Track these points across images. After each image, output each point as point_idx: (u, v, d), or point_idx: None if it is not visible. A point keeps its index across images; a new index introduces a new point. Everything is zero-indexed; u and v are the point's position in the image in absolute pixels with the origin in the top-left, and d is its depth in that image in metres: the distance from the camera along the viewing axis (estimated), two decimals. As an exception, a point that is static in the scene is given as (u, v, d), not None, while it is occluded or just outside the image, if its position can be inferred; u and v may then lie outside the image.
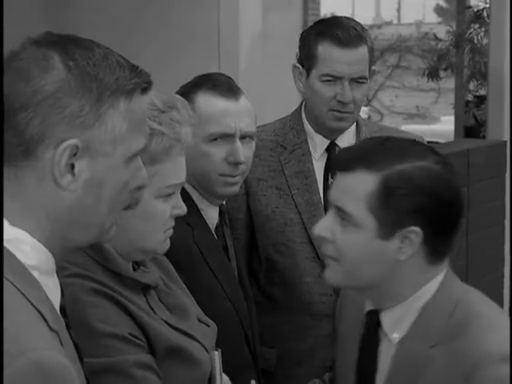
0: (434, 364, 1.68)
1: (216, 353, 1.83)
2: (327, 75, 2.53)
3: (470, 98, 9.69)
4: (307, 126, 2.66)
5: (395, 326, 1.75)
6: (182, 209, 1.79)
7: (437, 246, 1.71)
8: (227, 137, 2.21)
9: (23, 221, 1.25)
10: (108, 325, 1.62)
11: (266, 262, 2.66)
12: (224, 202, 2.34)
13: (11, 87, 1.23)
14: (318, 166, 2.63)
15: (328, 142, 2.64)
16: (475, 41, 8.89)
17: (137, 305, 1.68)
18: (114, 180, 1.30)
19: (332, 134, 2.64)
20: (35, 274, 1.24)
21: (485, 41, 8.50)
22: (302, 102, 2.71)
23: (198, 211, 2.22)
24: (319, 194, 2.61)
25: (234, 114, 2.21)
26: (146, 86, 1.32)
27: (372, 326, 1.78)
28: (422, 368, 1.69)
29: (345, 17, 2.66)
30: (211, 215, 2.26)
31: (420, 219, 1.66)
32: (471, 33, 8.90)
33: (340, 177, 1.71)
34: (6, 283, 1.18)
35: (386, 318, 1.76)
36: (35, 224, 1.25)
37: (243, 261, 2.62)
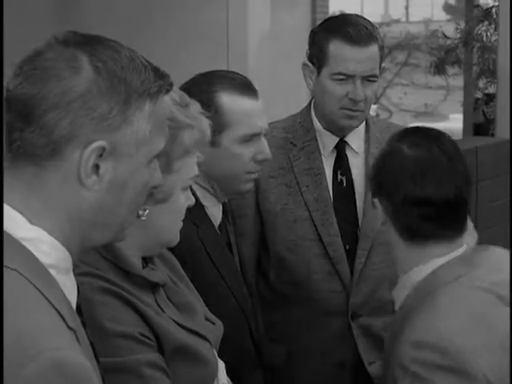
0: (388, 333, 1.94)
1: (221, 362, 1.84)
2: (339, 74, 2.52)
3: (479, 95, 9.67)
4: (316, 124, 2.65)
5: (397, 295, 1.95)
6: (192, 200, 1.83)
7: (402, 223, 1.87)
8: (255, 136, 2.23)
9: (42, 219, 1.25)
10: (118, 324, 1.62)
11: (275, 259, 2.66)
12: (227, 200, 2.35)
13: (39, 86, 1.23)
14: (328, 164, 2.63)
15: (337, 139, 2.64)
16: (484, 38, 8.87)
17: (146, 303, 1.69)
18: (136, 181, 1.31)
19: (341, 131, 2.63)
20: (53, 272, 1.24)
21: (494, 38, 8.48)
22: (311, 100, 2.70)
23: (202, 209, 2.22)
24: (328, 191, 2.61)
25: (259, 112, 2.23)
26: (168, 88, 1.34)
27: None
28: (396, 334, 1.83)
29: (354, 15, 2.64)
30: (215, 213, 2.27)
31: (380, 193, 1.90)
32: (480, 30, 8.88)
33: None
34: (24, 283, 1.18)
35: (395, 287, 1.96)
36: (55, 223, 1.26)
37: (250, 257, 2.62)
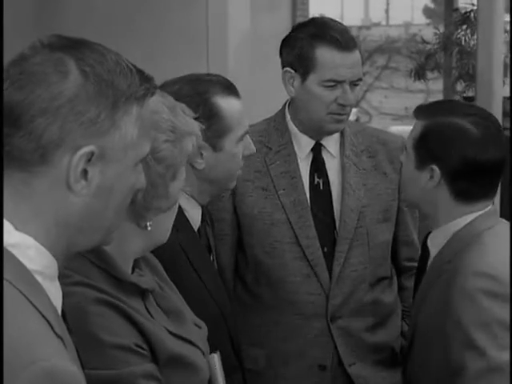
0: (443, 276, 2.14)
1: (215, 355, 1.84)
2: (330, 80, 2.52)
3: (458, 98, 9.71)
4: (292, 127, 2.65)
5: (433, 244, 2.26)
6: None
7: (458, 187, 2.17)
8: (243, 136, 2.27)
9: (28, 225, 1.24)
10: (114, 336, 1.62)
11: (253, 262, 2.66)
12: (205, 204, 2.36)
13: (26, 91, 1.22)
14: (304, 167, 2.64)
15: (313, 142, 2.64)
16: (463, 42, 8.90)
17: (138, 311, 1.68)
18: (123, 185, 1.31)
19: (321, 135, 2.64)
20: (39, 278, 1.23)
21: (472, 42, 8.52)
22: (285, 103, 2.70)
23: (181, 212, 2.22)
24: (305, 194, 2.62)
25: (244, 112, 2.27)
26: (153, 92, 1.34)
27: (425, 241, 2.34)
28: (436, 278, 2.17)
29: (328, 18, 2.64)
30: (194, 217, 2.27)
31: (440, 162, 2.16)
32: (459, 34, 8.91)
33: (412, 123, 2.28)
34: (12, 290, 1.17)
35: (430, 237, 2.29)
36: (41, 229, 1.25)
37: (228, 261, 2.63)
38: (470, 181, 2.18)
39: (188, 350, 1.75)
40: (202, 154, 2.19)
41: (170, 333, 1.73)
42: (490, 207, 2.23)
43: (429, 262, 2.29)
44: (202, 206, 2.31)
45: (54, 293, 1.28)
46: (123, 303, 1.65)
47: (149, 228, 1.71)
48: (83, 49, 1.27)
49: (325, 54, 2.51)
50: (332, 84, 2.52)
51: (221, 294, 2.27)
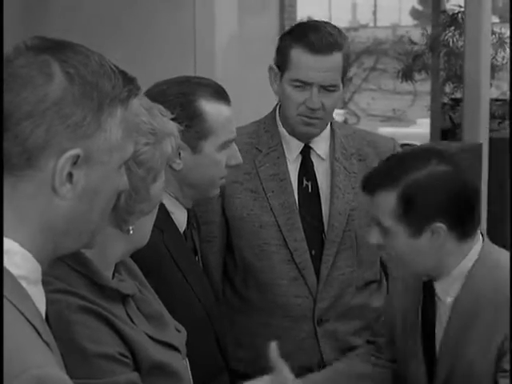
0: (483, 316, 2.12)
1: (184, 362, 1.83)
2: (297, 80, 2.51)
3: (445, 100, 9.72)
4: (281, 129, 2.65)
5: (447, 292, 2.19)
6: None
7: (463, 229, 2.12)
8: (231, 142, 2.25)
9: (14, 231, 1.23)
10: (98, 344, 1.60)
11: (241, 264, 2.65)
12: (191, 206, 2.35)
13: (12, 94, 1.21)
14: (293, 169, 2.62)
15: (302, 145, 2.63)
16: (450, 44, 8.92)
17: (120, 318, 1.66)
18: (108, 187, 1.30)
19: (302, 137, 2.63)
20: (23, 283, 1.22)
21: (460, 44, 8.54)
22: (276, 105, 2.70)
23: (167, 215, 2.21)
24: (294, 196, 2.60)
25: (233, 118, 2.25)
26: (136, 93, 1.33)
27: (429, 293, 2.24)
28: (474, 319, 2.13)
29: (324, 22, 2.62)
30: (180, 219, 2.26)
31: (440, 215, 2.07)
32: (447, 36, 8.93)
33: (371, 200, 2.15)
34: None
35: (438, 287, 2.20)
36: (27, 234, 1.24)
37: (216, 263, 2.62)
38: (471, 217, 2.13)
39: (170, 356, 1.74)
40: (179, 154, 2.18)
41: (152, 339, 1.71)
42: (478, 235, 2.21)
43: (439, 309, 2.23)
44: (188, 209, 2.30)
45: (38, 297, 1.27)
46: (105, 310, 1.64)
47: (131, 232, 1.70)
48: (66, 51, 1.26)
49: (297, 55, 2.50)
50: (299, 84, 2.51)
51: (207, 295, 2.26)
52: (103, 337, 1.61)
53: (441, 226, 2.06)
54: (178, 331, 1.88)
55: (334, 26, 2.58)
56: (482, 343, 2.12)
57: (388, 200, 2.09)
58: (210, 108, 2.19)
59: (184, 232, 2.27)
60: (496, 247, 2.23)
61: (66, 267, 1.63)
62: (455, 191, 2.08)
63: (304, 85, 2.51)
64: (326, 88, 2.51)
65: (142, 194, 1.68)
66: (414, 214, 2.07)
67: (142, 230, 1.74)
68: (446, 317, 2.21)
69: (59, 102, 1.21)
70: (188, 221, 2.30)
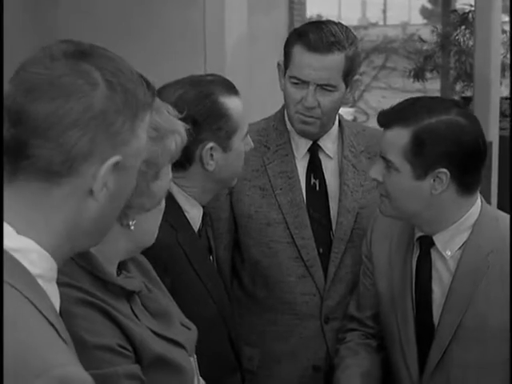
0: (492, 268, 2.18)
1: (191, 359, 1.83)
2: (294, 77, 2.52)
3: (456, 98, 9.72)
4: (290, 127, 2.65)
5: (447, 245, 2.23)
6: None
7: (465, 182, 2.16)
8: (247, 133, 2.30)
9: (33, 230, 1.23)
10: (97, 336, 1.61)
11: (249, 261, 2.66)
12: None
13: (58, 103, 1.20)
14: (301, 167, 2.63)
15: (310, 142, 2.64)
16: (461, 43, 8.92)
17: (123, 313, 1.68)
18: (130, 189, 1.33)
19: (303, 135, 2.63)
20: (40, 281, 1.23)
21: (470, 43, 8.53)
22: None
23: (181, 213, 2.22)
24: (302, 194, 2.61)
25: (244, 112, 2.28)
26: (155, 97, 1.35)
27: (426, 248, 2.26)
28: (482, 273, 2.18)
29: (333, 22, 2.61)
30: (195, 217, 2.27)
31: (446, 162, 2.11)
32: (457, 35, 8.93)
33: (384, 133, 2.19)
34: (18, 295, 1.16)
35: (439, 238, 2.24)
36: (48, 233, 1.24)
37: (226, 260, 2.62)
38: (474, 171, 2.18)
39: (173, 351, 1.75)
40: (212, 156, 2.20)
41: (155, 333, 1.73)
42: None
43: (436, 265, 2.27)
44: (203, 206, 2.30)
45: (54, 295, 1.28)
46: (107, 304, 1.65)
47: (132, 227, 1.71)
48: (102, 58, 1.26)
49: (297, 52, 2.52)
50: (296, 82, 2.52)
51: (220, 294, 2.27)
52: (102, 329, 1.62)
53: (445, 172, 2.11)
54: (188, 329, 1.89)
55: (343, 26, 2.57)
56: (493, 295, 2.16)
57: (401, 136, 2.13)
58: (231, 103, 2.21)
59: (199, 230, 2.28)
60: (490, 206, 2.30)
61: (71, 262, 1.65)
62: (466, 144, 2.12)
63: (301, 82, 2.51)
64: (323, 87, 2.51)
65: (140, 188, 1.67)
66: (422, 156, 2.11)
67: (143, 227, 1.75)
68: (448, 272, 2.24)
69: (104, 110, 1.22)
70: (203, 219, 2.30)
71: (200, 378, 1.88)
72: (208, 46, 4.15)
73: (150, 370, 1.69)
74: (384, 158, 2.19)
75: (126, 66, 1.28)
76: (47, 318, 1.18)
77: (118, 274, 1.77)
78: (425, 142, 2.11)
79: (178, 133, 1.78)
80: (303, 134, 2.62)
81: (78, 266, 1.66)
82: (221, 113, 2.18)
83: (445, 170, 2.12)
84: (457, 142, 2.12)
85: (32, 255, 1.23)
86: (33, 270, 1.22)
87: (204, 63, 4.13)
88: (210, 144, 2.18)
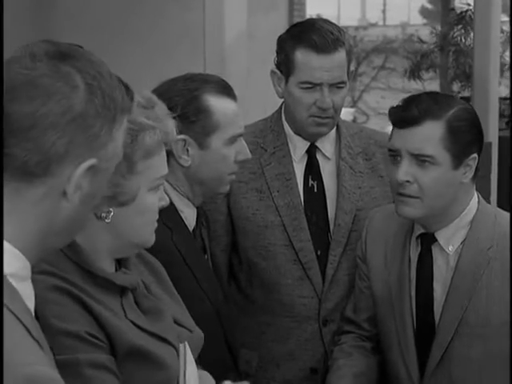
0: (492, 263, 2.20)
1: (181, 345, 1.82)
2: (306, 82, 2.50)
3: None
4: (287, 128, 2.64)
5: (449, 241, 2.25)
6: (166, 200, 1.84)
7: (477, 167, 2.22)
8: (238, 137, 2.26)
9: (12, 233, 1.23)
10: (64, 322, 1.61)
11: (246, 264, 2.65)
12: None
13: (37, 104, 1.21)
14: (299, 169, 2.62)
15: (308, 144, 2.63)
16: (459, 42, 8.90)
17: (104, 305, 1.67)
18: (103, 190, 1.34)
19: (312, 138, 2.62)
20: (12, 281, 1.23)
21: (468, 42, 8.52)
22: (281, 104, 2.69)
23: (176, 213, 2.22)
24: (299, 196, 2.60)
25: (240, 113, 2.27)
26: (133, 100, 1.36)
27: (427, 245, 2.27)
28: (482, 268, 2.20)
29: (321, 19, 2.62)
30: (190, 217, 2.27)
31: (476, 147, 2.21)
32: (455, 34, 8.92)
33: (410, 131, 2.17)
34: None
35: (441, 235, 2.25)
36: (20, 234, 1.25)
37: (223, 262, 2.61)
38: (479, 158, 2.24)
39: (156, 345, 1.74)
40: (187, 151, 2.19)
41: (138, 327, 1.72)
42: None
43: (437, 261, 2.28)
44: (197, 207, 2.31)
45: (28, 294, 1.28)
46: (87, 295, 1.65)
47: (106, 220, 1.70)
48: (83, 60, 1.27)
49: (302, 56, 2.49)
50: (309, 86, 2.50)
51: (216, 293, 2.27)
52: (71, 315, 1.62)
53: (475, 157, 2.19)
54: (190, 331, 1.90)
55: (331, 23, 2.58)
56: (495, 290, 2.18)
57: (436, 128, 2.16)
58: (215, 103, 2.20)
59: (193, 230, 2.28)
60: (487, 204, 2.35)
61: (61, 254, 1.66)
62: (481, 129, 2.24)
63: (313, 86, 2.50)
64: (335, 86, 2.51)
65: (112, 181, 1.64)
66: (458, 143, 2.17)
67: (125, 224, 1.74)
68: (449, 268, 2.25)
69: (83, 113, 1.23)
70: (197, 219, 2.31)
71: (196, 367, 1.88)
72: (207, 47, 4.16)
73: (129, 362, 1.68)
74: (417, 156, 2.17)
75: (106, 70, 1.29)
76: (18, 318, 1.18)
77: (116, 270, 1.78)
78: (459, 130, 2.17)
79: (158, 129, 1.77)
80: (315, 137, 2.61)
81: (67, 258, 1.67)
82: (199, 107, 2.18)
83: (475, 155, 2.20)
84: (478, 128, 2.22)
85: (4, 255, 1.22)
86: (5, 269, 1.21)
87: (204, 63, 4.14)
88: (182, 136, 2.17)
